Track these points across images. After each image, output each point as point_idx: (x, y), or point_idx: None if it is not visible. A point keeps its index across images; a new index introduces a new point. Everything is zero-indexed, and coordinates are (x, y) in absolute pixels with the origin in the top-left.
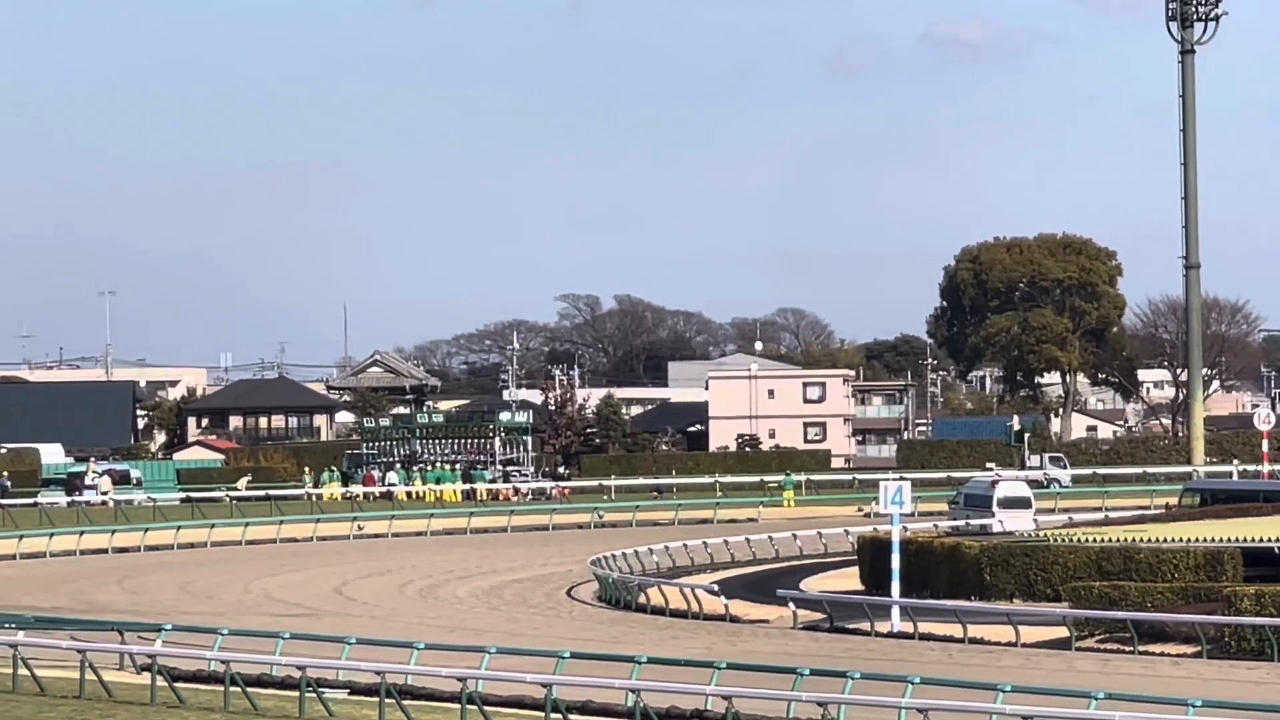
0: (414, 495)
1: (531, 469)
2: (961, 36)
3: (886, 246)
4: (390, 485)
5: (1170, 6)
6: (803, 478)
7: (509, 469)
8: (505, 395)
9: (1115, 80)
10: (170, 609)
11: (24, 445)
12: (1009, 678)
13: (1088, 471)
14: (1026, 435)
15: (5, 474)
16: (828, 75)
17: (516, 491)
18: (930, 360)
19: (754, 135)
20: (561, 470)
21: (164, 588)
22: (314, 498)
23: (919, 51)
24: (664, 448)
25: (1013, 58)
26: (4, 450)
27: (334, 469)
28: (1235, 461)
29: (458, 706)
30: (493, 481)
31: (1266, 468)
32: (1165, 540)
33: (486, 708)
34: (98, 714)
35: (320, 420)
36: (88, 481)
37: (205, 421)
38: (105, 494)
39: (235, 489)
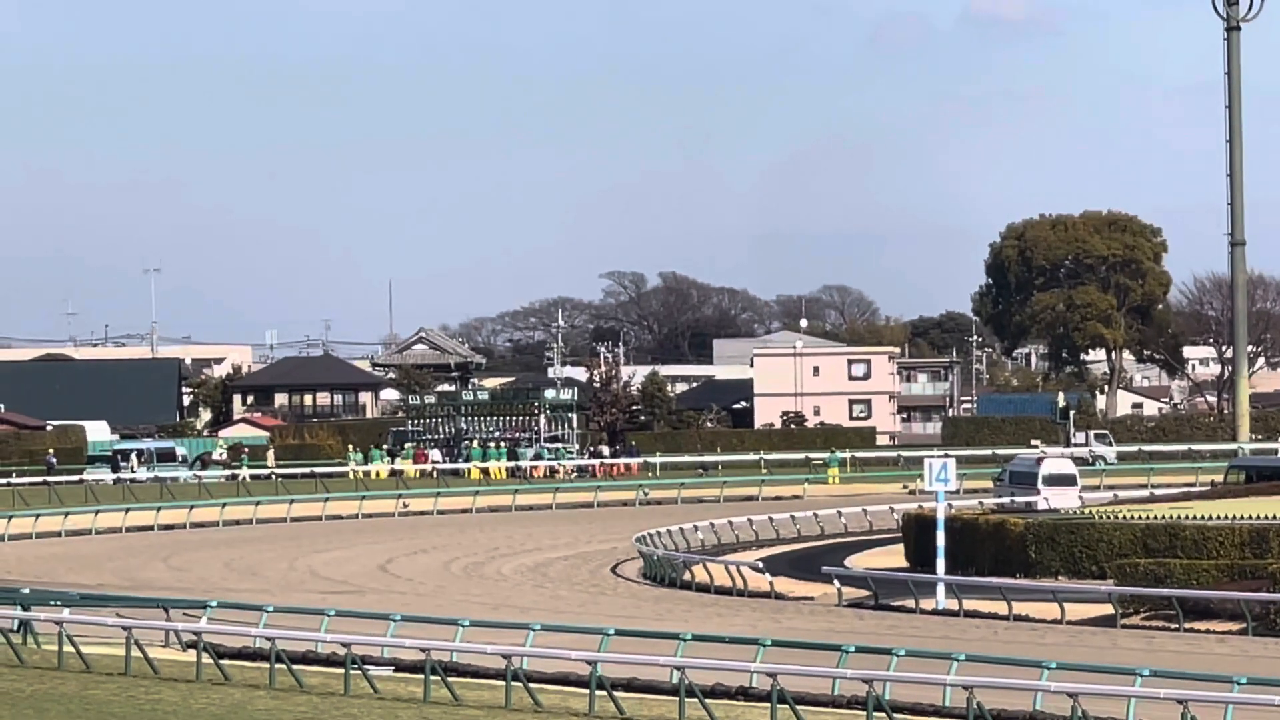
0: (488, 473)
1: (577, 446)
2: (1003, 14)
3: (931, 224)
4: (434, 464)
5: None
6: (848, 455)
7: (536, 446)
8: (550, 373)
9: (1160, 57)
10: (215, 586)
11: (70, 422)
12: (1054, 655)
13: (1133, 448)
14: (1072, 412)
15: (51, 451)
16: (870, 53)
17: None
18: (975, 337)
19: (798, 113)
20: (633, 444)
21: (209, 565)
22: (360, 474)
23: (960, 29)
24: (709, 425)
25: (1055, 35)
26: (50, 427)
27: (387, 446)
28: None
29: (503, 683)
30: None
31: None
32: (1210, 517)
33: (531, 684)
34: (143, 691)
35: (365, 398)
36: (215, 456)
37: (250, 399)
38: (234, 470)
39: (264, 464)
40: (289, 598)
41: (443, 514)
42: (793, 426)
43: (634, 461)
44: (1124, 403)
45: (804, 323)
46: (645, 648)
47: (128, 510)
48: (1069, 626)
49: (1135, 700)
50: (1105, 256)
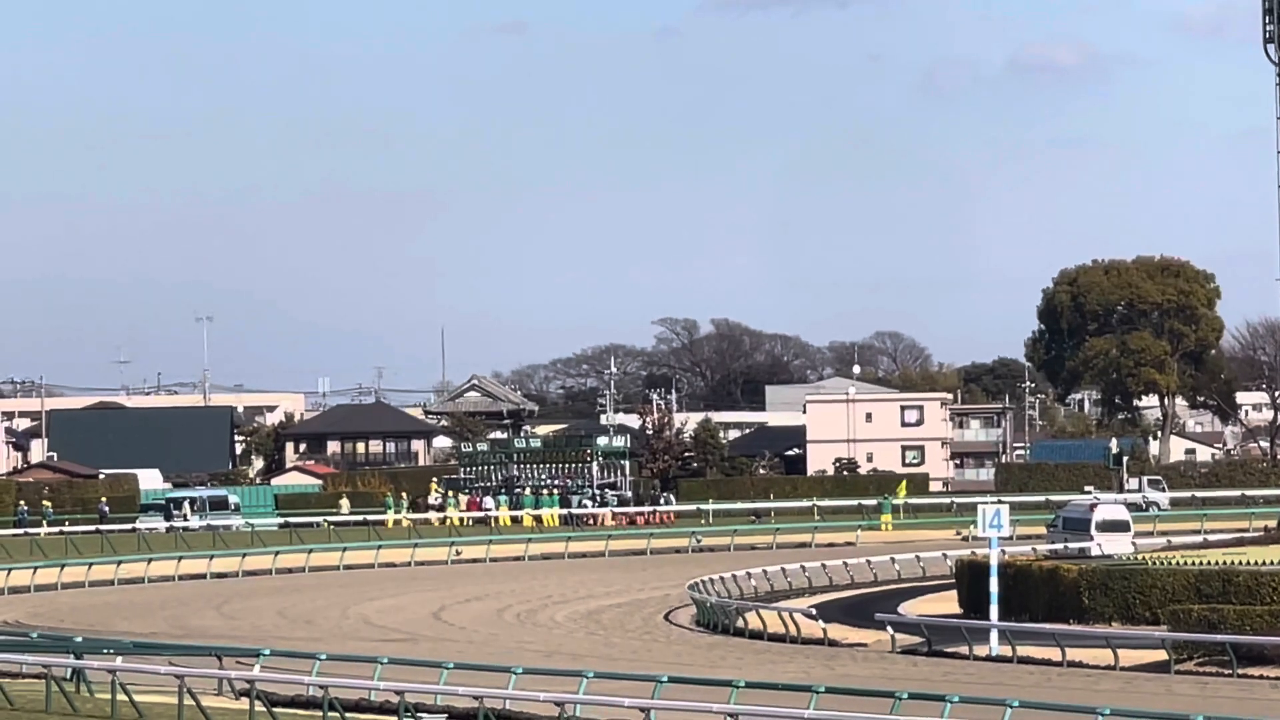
0: (540, 520)
1: (630, 494)
2: (1053, 60)
3: (984, 269)
4: (487, 511)
5: (1268, 29)
6: (900, 501)
7: (569, 493)
8: (603, 420)
9: (1210, 102)
10: (268, 634)
11: (122, 471)
12: (1108, 701)
13: (1186, 494)
14: (1125, 458)
15: (104, 500)
16: (920, 99)
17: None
18: (1028, 383)
19: (848, 158)
20: (658, 492)
21: (262, 613)
22: (413, 524)
23: (1009, 75)
24: (762, 471)
25: (1104, 81)
26: (102, 476)
27: (443, 490)
28: None
29: None
30: (580, 505)
31: None
32: (1264, 563)
33: None
34: None
35: (418, 445)
36: (431, 500)
37: (303, 447)
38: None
39: (338, 512)
40: (342, 645)
41: (495, 561)
42: (845, 473)
43: (661, 510)
44: (1177, 448)
45: (856, 369)
46: (698, 695)
47: (180, 559)
48: (1123, 673)
49: None
50: (1158, 302)
